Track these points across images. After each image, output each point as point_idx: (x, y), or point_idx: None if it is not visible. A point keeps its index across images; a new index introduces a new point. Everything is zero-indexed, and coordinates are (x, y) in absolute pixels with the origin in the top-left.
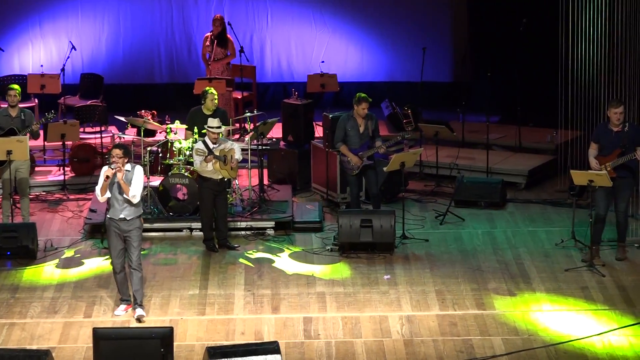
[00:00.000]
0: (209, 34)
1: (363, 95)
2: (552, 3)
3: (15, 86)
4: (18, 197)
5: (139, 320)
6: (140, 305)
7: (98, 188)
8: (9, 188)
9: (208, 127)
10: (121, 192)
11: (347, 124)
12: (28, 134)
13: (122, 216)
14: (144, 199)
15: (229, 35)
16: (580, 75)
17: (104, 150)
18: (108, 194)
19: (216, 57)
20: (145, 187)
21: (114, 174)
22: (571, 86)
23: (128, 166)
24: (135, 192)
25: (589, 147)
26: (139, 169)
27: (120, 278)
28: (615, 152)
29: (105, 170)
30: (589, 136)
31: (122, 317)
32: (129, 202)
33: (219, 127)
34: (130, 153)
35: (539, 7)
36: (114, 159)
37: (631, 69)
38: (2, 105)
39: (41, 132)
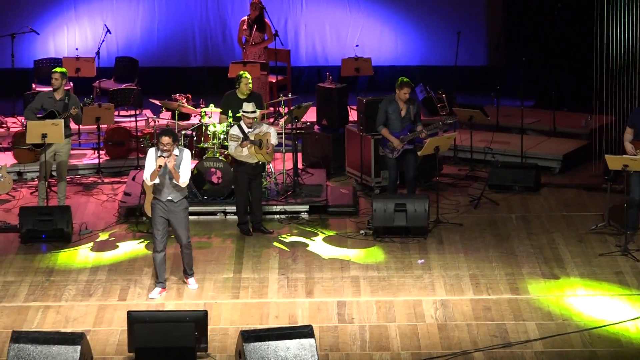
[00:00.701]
0: (245, 17)
1: (406, 79)
2: None
3: (59, 69)
4: (53, 180)
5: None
6: (192, 275)
7: (148, 173)
8: (45, 171)
9: (243, 111)
10: (171, 177)
11: (389, 108)
12: (70, 118)
13: (169, 198)
14: None
15: (266, 19)
16: (615, 59)
17: (139, 134)
18: (157, 180)
19: (254, 41)
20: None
21: (166, 164)
22: (606, 71)
23: (176, 150)
24: (185, 179)
25: (624, 131)
26: (187, 154)
27: (160, 258)
28: None
29: (154, 158)
30: (624, 121)
31: (156, 300)
32: (176, 185)
33: (254, 112)
34: (177, 137)
35: None
36: (164, 147)
37: None
38: (38, 89)
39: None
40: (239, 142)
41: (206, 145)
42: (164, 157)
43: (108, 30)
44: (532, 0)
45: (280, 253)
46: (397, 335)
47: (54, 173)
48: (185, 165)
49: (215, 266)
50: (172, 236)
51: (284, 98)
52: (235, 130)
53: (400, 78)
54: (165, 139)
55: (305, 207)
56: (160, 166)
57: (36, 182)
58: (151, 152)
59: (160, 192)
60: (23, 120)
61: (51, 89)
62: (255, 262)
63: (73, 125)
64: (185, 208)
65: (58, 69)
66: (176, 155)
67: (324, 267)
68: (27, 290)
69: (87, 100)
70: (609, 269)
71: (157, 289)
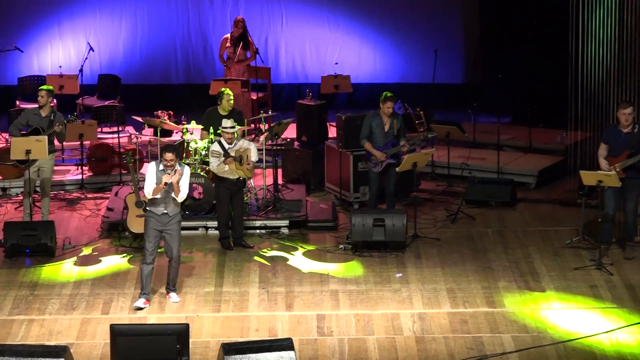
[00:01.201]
0: (228, 35)
1: (389, 94)
2: (562, 6)
3: (45, 87)
4: (37, 196)
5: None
6: (174, 290)
7: (149, 188)
8: (29, 187)
9: (222, 127)
10: (169, 191)
11: (373, 122)
12: (55, 135)
13: (165, 211)
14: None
15: (250, 37)
16: (590, 77)
17: (122, 150)
18: (158, 195)
19: (239, 58)
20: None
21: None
22: (581, 88)
23: (177, 166)
24: (184, 194)
25: (599, 148)
26: (187, 170)
27: (148, 270)
28: (625, 153)
29: (154, 172)
30: (598, 137)
31: (139, 313)
32: (173, 199)
33: (233, 128)
34: (180, 153)
35: (549, 10)
36: (167, 163)
37: (639, 70)
38: (22, 106)
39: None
40: (220, 159)
41: (188, 161)
42: (169, 174)
43: (91, 48)
44: (508, 19)
45: (260, 267)
46: (376, 348)
47: (38, 189)
48: (185, 182)
49: (197, 280)
50: (160, 250)
51: (264, 115)
52: (216, 147)
53: (384, 93)
54: (169, 156)
55: (286, 222)
56: (166, 183)
57: (20, 198)
58: (151, 166)
59: (157, 205)
60: (7, 137)
61: (36, 105)
62: (236, 276)
63: (57, 142)
64: (179, 221)
65: (44, 87)
66: (178, 169)
67: (303, 281)
68: (11, 304)
69: (72, 117)
70: (583, 282)
71: (142, 300)
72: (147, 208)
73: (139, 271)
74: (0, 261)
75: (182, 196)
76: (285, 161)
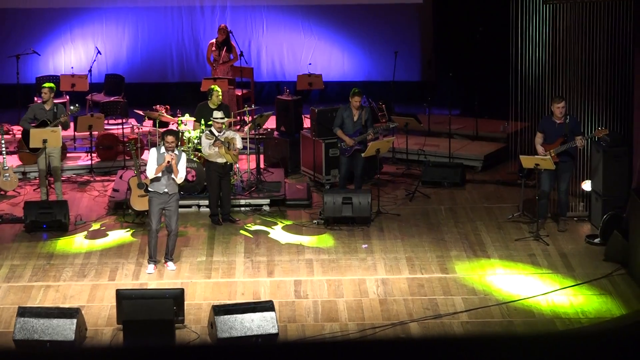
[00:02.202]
0: (213, 40)
1: (357, 90)
2: (504, 14)
3: (47, 84)
4: (52, 179)
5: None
6: (172, 260)
7: (152, 168)
8: (44, 174)
9: (214, 118)
10: (169, 172)
11: (344, 113)
12: (59, 125)
13: (165, 190)
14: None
15: (232, 42)
16: (528, 74)
17: (125, 139)
18: (159, 174)
19: (223, 60)
20: None
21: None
22: (520, 84)
23: (176, 151)
24: (182, 175)
25: (535, 136)
26: (184, 155)
27: (154, 241)
28: (558, 140)
29: (155, 156)
30: (535, 127)
31: (140, 279)
32: (172, 179)
33: (223, 119)
34: (179, 137)
35: (492, 17)
36: (169, 145)
37: (570, 69)
38: (39, 101)
39: (72, 124)
40: (212, 141)
41: (182, 148)
42: (170, 155)
43: (99, 51)
44: (458, 25)
45: (245, 239)
46: (345, 308)
47: (52, 175)
48: (182, 164)
49: (191, 251)
50: (161, 225)
51: (248, 108)
52: (209, 133)
53: (353, 89)
54: (170, 138)
55: (267, 201)
56: (169, 162)
57: (38, 181)
58: (152, 151)
59: (159, 184)
60: (11, 129)
61: (41, 101)
62: (224, 248)
63: (66, 133)
64: (177, 200)
65: (47, 85)
66: (176, 154)
67: (282, 251)
68: (30, 272)
69: (74, 108)
70: (523, 251)
71: (152, 266)
72: (150, 189)
73: (143, 243)
74: (21, 235)
75: (180, 177)
76: (266, 148)
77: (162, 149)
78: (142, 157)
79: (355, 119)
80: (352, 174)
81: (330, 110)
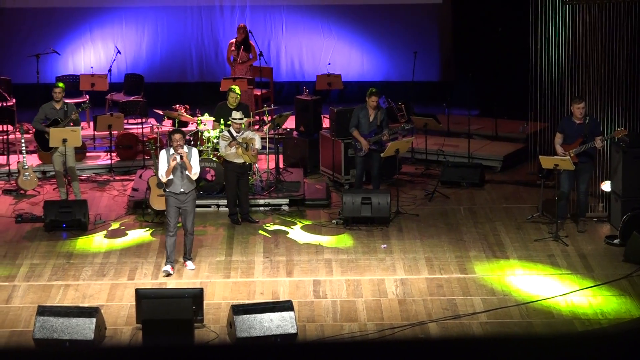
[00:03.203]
0: (233, 40)
1: (374, 90)
2: (523, 14)
3: (61, 84)
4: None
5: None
6: (190, 259)
7: (163, 171)
8: (62, 176)
9: (232, 118)
10: (182, 170)
11: (360, 113)
12: (71, 123)
13: (182, 190)
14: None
15: (251, 42)
16: (547, 75)
17: (145, 139)
18: (171, 175)
19: (242, 60)
20: None
21: (181, 157)
22: (539, 85)
23: (185, 148)
24: (196, 170)
25: (555, 136)
26: (195, 150)
27: (171, 241)
28: (578, 141)
29: (165, 157)
30: (554, 127)
31: (159, 279)
32: (187, 177)
33: (241, 119)
34: (185, 135)
35: (512, 17)
36: (177, 143)
37: (590, 70)
38: (68, 101)
39: (85, 124)
40: (228, 142)
41: (201, 148)
42: (179, 154)
43: (118, 51)
44: (477, 26)
45: (264, 239)
46: (364, 308)
47: (69, 175)
48: (195, 159)
49: (210, 250)
50: (179, 225)
51: (267, 108)
52: (226, 133)
53: (370, 88)
54: (177, 136)
55: (286, 201)
56: (176, 159)
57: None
58: (162, 153)
59: (174, 185)
60: (31, 129)
61: (52, 101)
62: (243, 247)
63: (84, 133)
64: (194, 199)
65: (60, 84)
66: (186, 151)
67: (301, 251)
68: (50, 271)
69: (84, 105)
70: (542, 252)
71: (168, 266)
72: (167, 189)
73: (162, 242)
74: (41, 235)
75: (195, 172)
76: (286, 148)
77: (172, 150)
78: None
79: (371, 119)
80: (369, 174)
81: (349, 110)
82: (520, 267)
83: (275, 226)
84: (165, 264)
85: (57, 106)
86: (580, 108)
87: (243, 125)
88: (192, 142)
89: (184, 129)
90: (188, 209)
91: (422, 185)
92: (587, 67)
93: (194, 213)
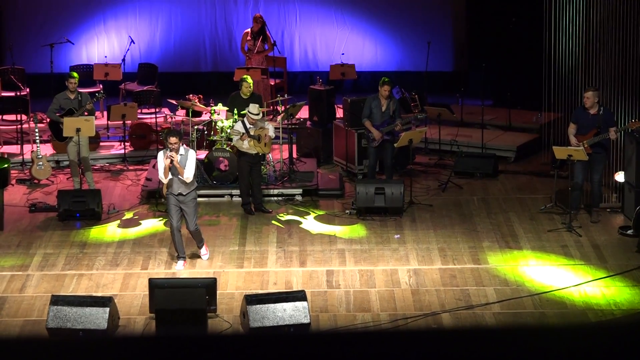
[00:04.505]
0: (248, 30)
1: (387, 79)
2: (537, 4)
3: (75, 74)
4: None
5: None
6: (202, 247)
7: (161, 173)
8: (75, 166)
9: (249, 111)
10: (175, 174)
11: (372, 103)
12: (86, 112)
13: (179, 191)
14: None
15: (267, 32)
16: (561, 65)
17: (158, 129)
18: (170, 176)
19: (258, 50)
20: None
21: (172, 161)
22: (553, 75)
23: (182, 150)
24: (188, 175)
25: (569, 126)
26: (192, 153)
27: (178, 238)
28: (592, 131)
29: (162, 159)
30: (568, 117)
31: (172, 269)
32: (183, 180)
33: (258, 115)
34: (182, 136)
35: (526, 7)
36: (172, 146)
37: (604, 60)
38: (83, 90)
39: (105, 113)
40: (238, 136)
41: (215, 138)
42: (170, 156)
43: (132, 41)
44: (491, 15)
45: (277, 229)
46: (377, 299)
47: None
48: (190, 164)
49: (223, 240)
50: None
51: (281, 98)
52: (238, 126)
53: (382, 78)
54: (173, 139)
55: (299, 191)
56: (170, 162)
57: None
58: (160, 155)
59: (172, 187)
60: (44, 118)
61: (66, 91)
62: (256, 237)
63: (98, 122)
64: (193, 198)
65: (74, 74)
66: (181, 155)
67: (315, 241)
68: (64, 261)
69: (99, 95)
70: (556, 242)
71: (181, 262)
72: (167, 189)
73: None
74: (55, 224)
75: (186, 176)
76: (299, 138)
77: (169, 151)
78: None
79: (383, 109)
80: (382, 164)
81: (362, 100)
82: (533, 257)
83: (289, 216)
84: (178, 260)
85: (72, 96)
86: (586, 97)
87: (259, 119)
88: (206, 132)
89: (197, 118)
90: (188, 210)
91: (435, 176)
92: (601, 57)
93: (194, 212)
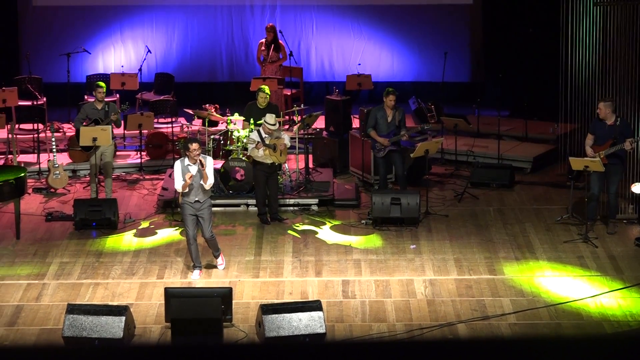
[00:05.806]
0: (263, 40)
1: (391, 89)
2: (554, 15)
3: (102, 84)
4: (102, 177)
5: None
6: (218, 257)
7: (179, 184)
8: (95, 170)
9: (266, 121)
10: (198, 179)
11: (378, 114)
12: (112, 123)
13: (196, 199)
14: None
15: (280, 41)
16: (578, 76)
17: (175, 138)
18: (190, 182)
19: (271, 59)
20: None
21: (201, 164)
22: (570, 86)
23: (201, 156)
24: (211, 181)
25: (586, 137)
26: (209, 160)
27: (194, 247)
28: (608, 142)
29: (180, 169)
30: (585, 128)
31: (188, 278)
32: (202, 187)
33: (274, 125)
34: (202, 143)
35: (543, 18)
36: (194, 153)
37: (621, 72)
38: (89, 100)
39: (122, 122)
40: (255, 145)
41: (231, 147)
42: (190, 172)
43: (149, 51)
44: (507, 26)
45: (293, 239)
46: (393, 309)
47: (102, 171)
48: (210, 171)
49: (239, 250)
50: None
51: (297, 108)
52: (254, 136)
53: (386, 88)
54: (195, 145)
55: (315, 201)
56: (192, 176)
57: (87, 179)
58: (177, 164)
59: (189, 195)
60: (62, 127)
61: (93, 100)
62: (272, 247)
63: (117, 131)
64: (209, 205)
65: (102, 84)
66: (204, 158)
67: (330, 251)
68: (80, 270)
69: (124, 106)
70: (572, 253)
71: (197, 271)
72: (183, 198)
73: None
74: (71, 233)
75: (209, 183)
76: (315, 148)
77: (187, 161)
78: None
79: (389, 119)
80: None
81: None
82: (549, 268)
83: (305, 226)
84: (194, 270)
85: (99, 106)
86: (599, 109)
87: (275, 129)
88: (222, 142)
89: (213, 128)
90: (204, 216)
91: (451, 186)
92: (618, 68)
93: (210, 220)
